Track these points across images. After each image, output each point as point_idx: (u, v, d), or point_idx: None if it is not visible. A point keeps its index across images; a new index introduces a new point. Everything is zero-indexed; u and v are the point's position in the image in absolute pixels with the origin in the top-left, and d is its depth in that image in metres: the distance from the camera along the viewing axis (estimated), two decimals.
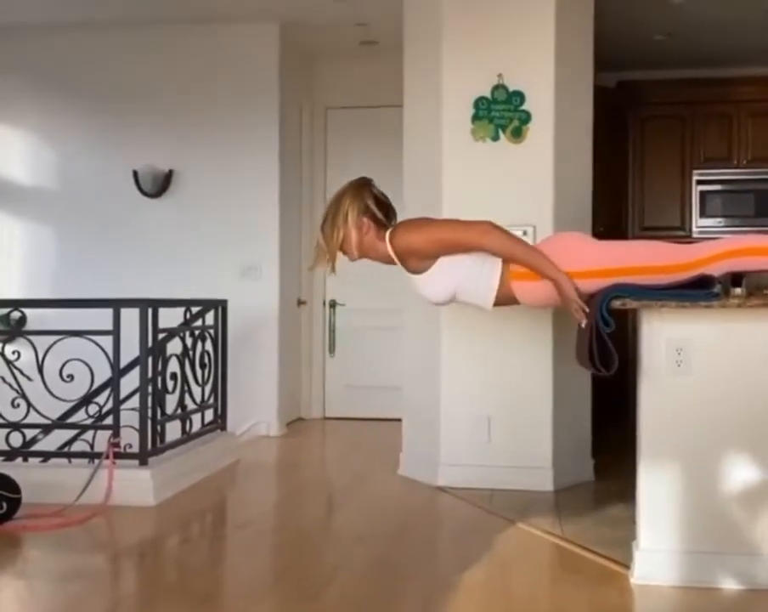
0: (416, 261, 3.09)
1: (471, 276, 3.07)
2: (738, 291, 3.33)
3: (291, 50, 6.42)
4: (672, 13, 5.82)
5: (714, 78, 6.72)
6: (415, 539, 3.71)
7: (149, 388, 4.30)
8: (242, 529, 3.91)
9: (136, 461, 4.23)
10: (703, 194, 6.81)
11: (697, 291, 2.72)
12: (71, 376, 4.28)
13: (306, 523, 4.04)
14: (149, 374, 4.31)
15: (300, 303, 6.82)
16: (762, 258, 2.77)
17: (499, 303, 3.13)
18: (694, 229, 6.80)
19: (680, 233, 6.74)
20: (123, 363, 4.35)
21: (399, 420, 4.96)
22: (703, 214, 6.81)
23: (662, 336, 2.96)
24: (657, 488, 3.00)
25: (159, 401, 4.38)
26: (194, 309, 4.92)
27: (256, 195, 6.17)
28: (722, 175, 6.77)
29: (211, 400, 5.08)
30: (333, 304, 6.97)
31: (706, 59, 6.73)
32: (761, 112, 6.67)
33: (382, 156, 6.41)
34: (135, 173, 6.26)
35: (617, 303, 2.76)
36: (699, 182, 6.80)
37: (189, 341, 4.83)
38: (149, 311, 4.27)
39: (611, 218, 6.42)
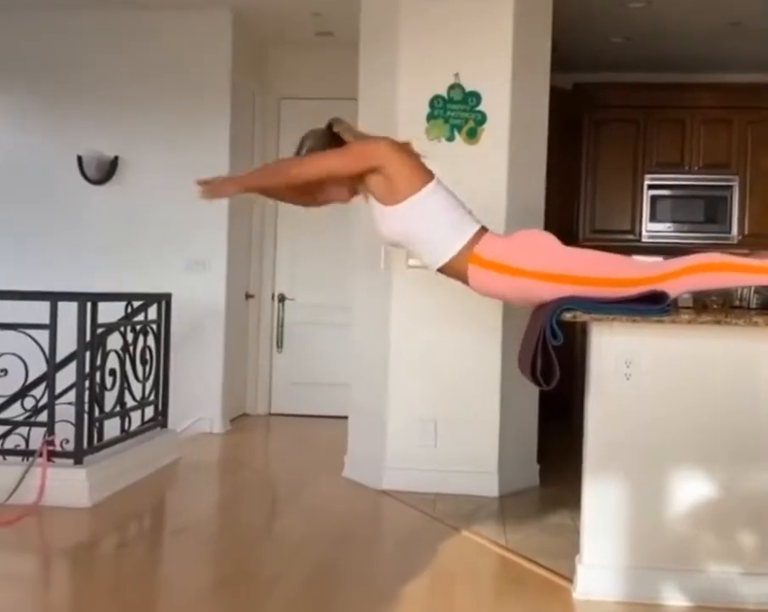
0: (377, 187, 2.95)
1: (433, 233, 2.93)
2: (686, 296, 3.31)
3: (245, 38, 6.27)
4: (631, 16, 5.82)
5: (669, 83, 6.76)
6: (357, 546, 3.64)
7: (86, 385, 4.15)
8: (181, 534, 3.79)
9: (71, 460, 4.08)
10: (653, 198, 6.83)
11: (649, 306, 2.68)
12: (5, 371, 4.13)
13: (247, 527, 3.94)
14: (87, 370, 4.15)
15: (248, 296, 6.69)
16: (722, 274, 2.73)
17: (444, 271, 3.01)
18: (644, 233, 6.83)
19: (629, 237, 6.77)
20: (61, 358, 4.20)
21: (346, 417, 4.88)
22: (653, 219, 6.84)
23: (611, 348, 2.92)
24: (601, 502, 2.97)
25: (96, 398, 4.23)
26: (137, 303, 4.77)
27: None
28: (673, 180, 6.80)
29: (152, 397, 4.94)
30: (282, 299, 6.86)
31: (662, 64, 6.76)
32: (714, 119, 6.72)
33: None
34: (79, 159, 6.06)
35: (567, 316, 2.71)
36: (651, 187, 6.83)
37: (129, 336, 4.68)
38: (88, 305, 4.12)
39: (562, 220, 6.42)
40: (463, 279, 2.96)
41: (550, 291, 2.82)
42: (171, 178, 6.03)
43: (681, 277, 2.72)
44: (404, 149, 3.01)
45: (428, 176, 2.98)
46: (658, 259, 2.94)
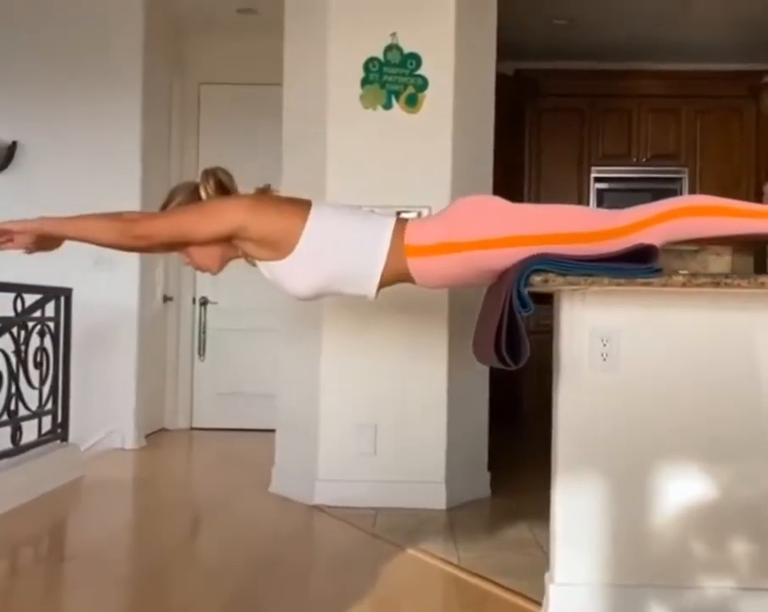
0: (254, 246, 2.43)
1: (348, 259, 2.42)
2: None
3: (159, 15, 5.71)
4: None
5: (614, 70, 6.44)
6: (285, 571, 3.08)
7: None
8: (74, 561, 3.20)
9: None
10: (600, 191, 6.50)
11: (635, 265, 2.21)
12: None
13: (155, 552, 3.35)
14: None
15: (166, 299, 6.09)
16: (714, 220, 2.27)
17: (385, 285, 2.50)
18: None
19: None
20: None
21: (275, 431, 4.33)
22: None
23: (584, 323, 2.46)
24: (576, 509, 2.48)
25: None
26: (31, 299, 4.15)
27: (115, 175, 5.42)
28: (621, 173, 6.48)
29: (50, 406, 4.31)
30: (204, 302, 6.27)
31: (608, 51, 6.42)
32: (662, 108, 6.43)
33: (262, 138, 5.84)
34: None
35: (537, 280, 2.23)
36: (597, 179, 6.49)
37: (21, 335, 4.06)
38: None
39: None
40: (406, 278, 2.45)
41: (508, 258, 2.33)
42: (76, 166, 5.43)
43: (663, 223, 2.25)
44: (265, 200, 2.48)
45: (304, 206, 2.46)
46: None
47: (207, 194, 2.50)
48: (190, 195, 2.55)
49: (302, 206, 2.48)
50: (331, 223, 2.44)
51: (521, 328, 2.19)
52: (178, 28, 6.15)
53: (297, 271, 2.45)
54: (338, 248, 2.43)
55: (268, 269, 2.48)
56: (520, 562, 3.06)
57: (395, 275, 2.47)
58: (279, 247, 2.42)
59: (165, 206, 2.59)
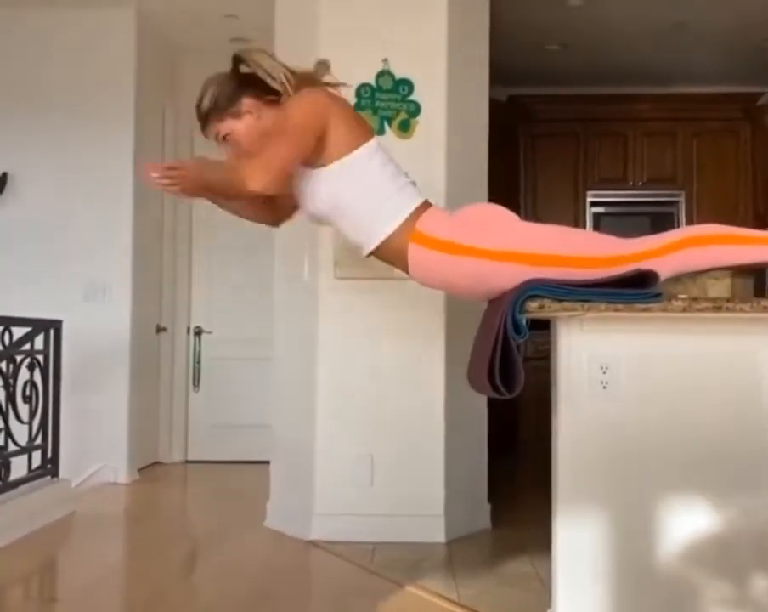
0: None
1: (370, 207, 2.38)
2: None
3: (151, 43, 5.68)
4: (568, 19, 5.43)
5: (609, 95, 6.40)
6: (280, 609, 2.99)
7: None
8: (65, 600, 3.11)
9: None
10: (596, 216, 6.45)
11: (634, 290, 2.15)
12: None
13: (148, 589, 3.25)
14: None
15: (159, 329, 6.01)
16: (726, 249, 2.22)
17: (379, 254, 2.44)
18: None
19: None
20: None
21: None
22: None
23: (583, 350, 2.38)
24: (578, 544, 2.40)
25: None
26: (19, 332, 4.08)
27: (107, 203, 5.36)
28: (617, 197, 6.44)
29: (40, 441, 4.22)
30: (199, 332, 6.20)
31: (601, 76, 6.40)
32: (657, 132, 6.39)
33: None
34: None
35: (533, 306, 2.16)
36: (593, 203, 6.45)
37: (10, 369, 3.98)
38: None
39: None
40: (402, 263, 2.40)
41: (510, 275, 2.26)
42: (67, 196, 5.38)
43: (673, 253, 2.20)
44: (340, 99, 2.45)
45: (368, 133, 2.45)
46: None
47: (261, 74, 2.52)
48: (227, 85, 2.59)
49: (367, 131, 2.46)
50: (378, 165, 2.41)
51: (515, 355, 2.12)
52: (171, 57, 6.12)
53: (325, 181, 2.38)
54: (369, 188, 2.38)
55: (299, 171, 2.40)
56: (521, 598, 2.98)
57: (393, 250, 2.40)
58: (328, 151, 2.36)
59: (199, 103, 2.60)
